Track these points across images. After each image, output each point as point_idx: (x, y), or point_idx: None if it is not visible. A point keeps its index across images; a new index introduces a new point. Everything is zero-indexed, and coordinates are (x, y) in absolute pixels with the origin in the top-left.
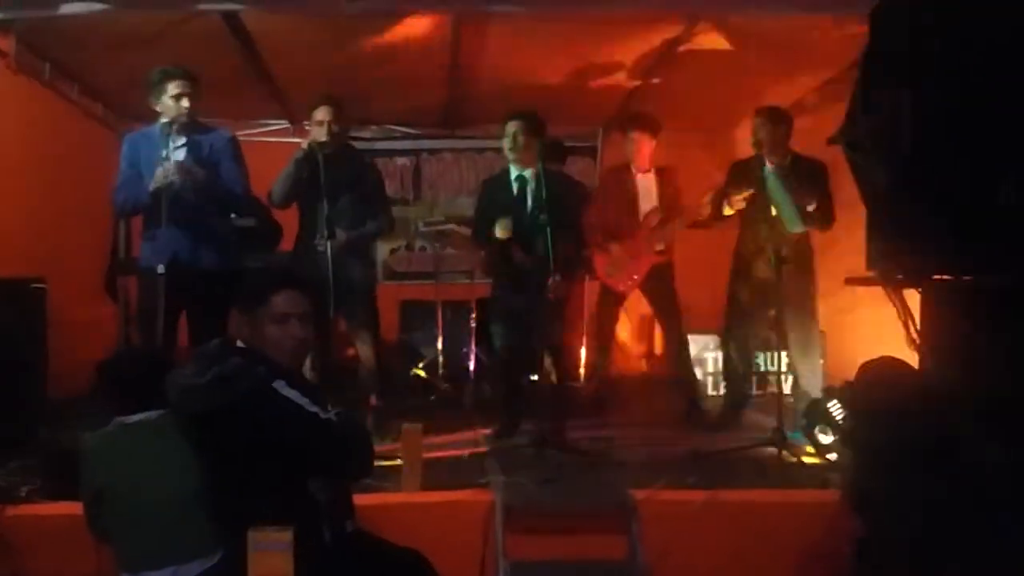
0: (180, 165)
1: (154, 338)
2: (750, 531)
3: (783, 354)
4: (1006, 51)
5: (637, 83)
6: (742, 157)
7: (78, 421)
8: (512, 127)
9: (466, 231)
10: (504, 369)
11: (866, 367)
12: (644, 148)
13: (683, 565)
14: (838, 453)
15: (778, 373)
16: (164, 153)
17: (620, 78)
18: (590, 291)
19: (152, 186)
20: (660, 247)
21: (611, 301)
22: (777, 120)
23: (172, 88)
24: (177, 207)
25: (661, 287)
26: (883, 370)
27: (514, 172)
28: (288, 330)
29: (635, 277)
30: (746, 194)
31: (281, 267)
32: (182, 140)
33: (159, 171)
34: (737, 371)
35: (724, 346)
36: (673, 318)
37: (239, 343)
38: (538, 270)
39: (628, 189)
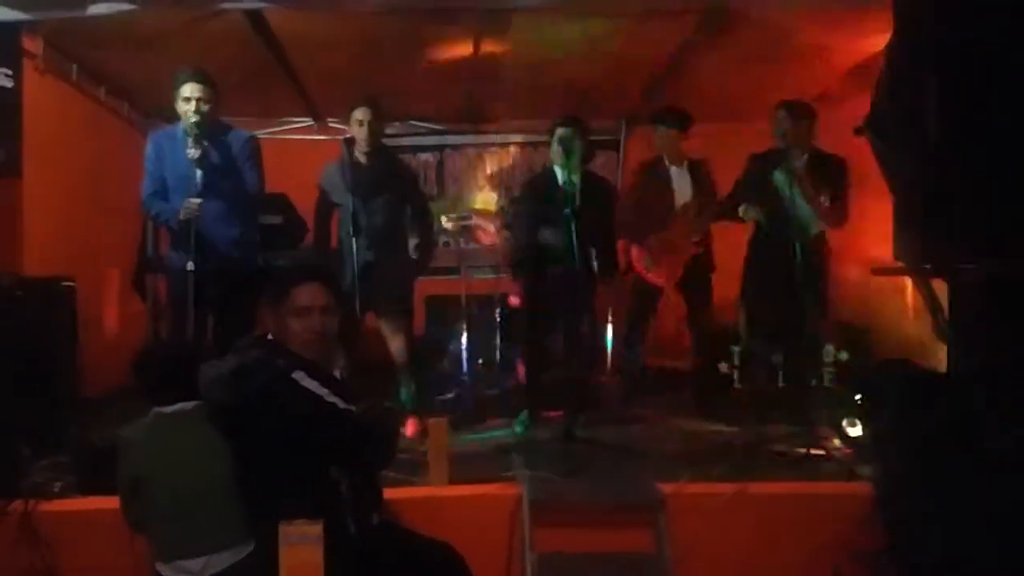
0: (205, 190)
1: (184, 334)
2: (777, 524)
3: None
4: None
5: (659, 77)
6: (764, 150)
7: (109, 417)
8: (563, 132)
9: (489, 226)
10: (529, 363)
11: (881, 368)
12: (675, 142)
13: (710, 558)
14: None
15: (802, 364)
16: (187, 160)
17: (641, 72)
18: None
19: (181, 216)
20: (696, 238)
21: (648, 294)
22: (800, 114)
23: (185, 91)
24: (201, 211)
25: (698, 280)
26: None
27: (561, 176)
28: (309, 323)
29: (676, 271)
30: (759, 210)
31: (305, 262)
32: (203, 145)
33: (185, 206)
34: (755, 366)
35: (743, 343)
36: (705, 311)
37: (268, 336)
38: (573, 270)
39: (663, 183)
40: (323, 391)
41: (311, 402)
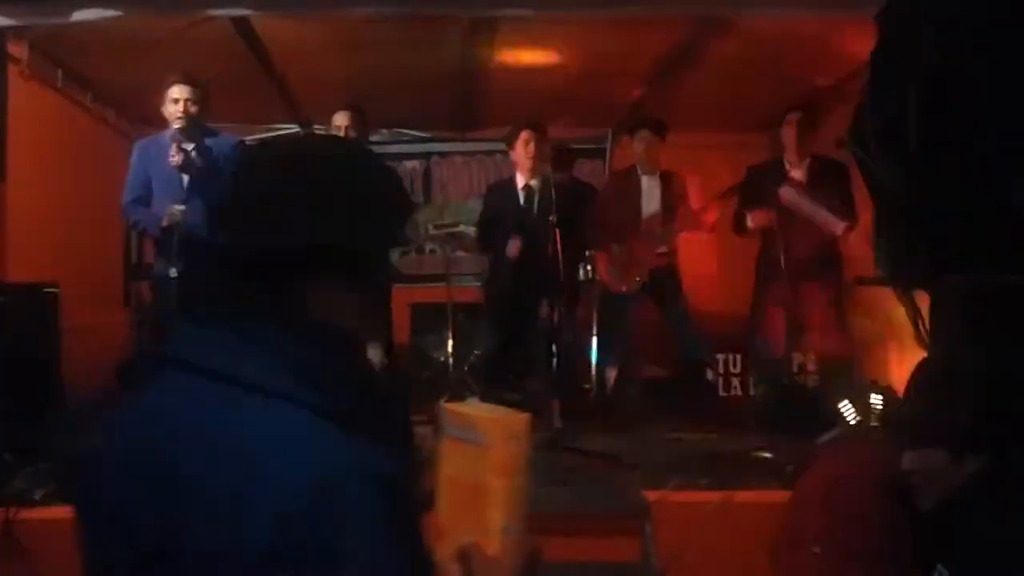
0: (190, 195)
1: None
2: (763, 532)
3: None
4: (1016, 50)
5: (646, 86)
6: (756, 162)
7: (92, 425)
8: (525, 136)
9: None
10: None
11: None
12: (651, 150)
13: (696, 567)
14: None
15: (797, 374)
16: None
17: (629, 81)
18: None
19: (164, 223)
20: (662, 249)
21: (615, 302)
22: (807, 121)
23: (173, 93)
24: (187, 218)
25: (666, 289)
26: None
27: (521, 180)
28: None
29: (636, 279)
30: (771, 215)
31: None
32: (185, 150)
33: (169, 213)
34: (763, 379)
35: (752, 355)
36: (681, 319)
37: None
38: (544, 276)
39: (632, 191)
40: None
41: None
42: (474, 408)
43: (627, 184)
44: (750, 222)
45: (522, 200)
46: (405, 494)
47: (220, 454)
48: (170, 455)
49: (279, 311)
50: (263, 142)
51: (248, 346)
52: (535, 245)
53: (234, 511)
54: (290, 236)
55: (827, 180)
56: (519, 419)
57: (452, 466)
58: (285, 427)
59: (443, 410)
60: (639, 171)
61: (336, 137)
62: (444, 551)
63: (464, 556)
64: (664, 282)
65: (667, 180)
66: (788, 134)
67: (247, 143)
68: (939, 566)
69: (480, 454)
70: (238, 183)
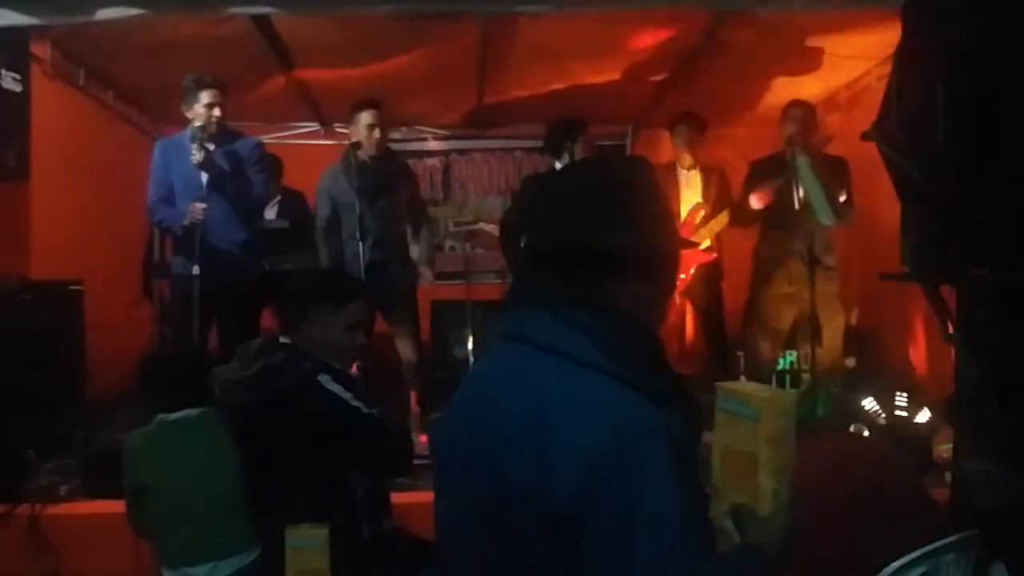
0: (210, 194)
1: (190, 339)
2: None
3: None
4: None
5: (666, 81)
6: (765, 155)
7: (116, 421)
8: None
9: (495, 230)
10: None
11: None
12: (690, 145)
13: None
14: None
15: (800, 371)
16: (192, 163)
17: (649, 76)
18: None
19: (186, 221)
20: (705, 244)
21: None
22: (806, 116)
23: (205, 97)
24: (207, 216)
25: (706, 286)
26: None
27: None
28: (356, 338)
29: (681, 276)
30: (775, 184)
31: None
32: (206, 148)
33: (190, 210)
34: (759, 374)
35: (746, 349)
36: (717, 318)
37: (282, 339)
38: None
39: (672, 186)
40: (347, 395)
41: (336, 406)
42: (745, 386)
43: (666, 179)
44: (755, 202)
45: None
46: (690, 453)
47: (540, 407)
48: (503, 405)
49: (590, 300)
50: (572, 165)
51: (565, 326)
52: None
53: (550, 456)
54: (598, 241)
55: (830, 174)
56: (788, 397)
57: (727, 436)
58: (593, 390)
59: (718, 388)
60: (678, 166)
61: (628, 159)
62: (718, 510)
63: (737, 514)
64: (707, 281)
65: (709, 174)
66: (789, 128)
67: (559, 170)
68: (998, 562)
69: (753, 427)
70: (555, 200)
